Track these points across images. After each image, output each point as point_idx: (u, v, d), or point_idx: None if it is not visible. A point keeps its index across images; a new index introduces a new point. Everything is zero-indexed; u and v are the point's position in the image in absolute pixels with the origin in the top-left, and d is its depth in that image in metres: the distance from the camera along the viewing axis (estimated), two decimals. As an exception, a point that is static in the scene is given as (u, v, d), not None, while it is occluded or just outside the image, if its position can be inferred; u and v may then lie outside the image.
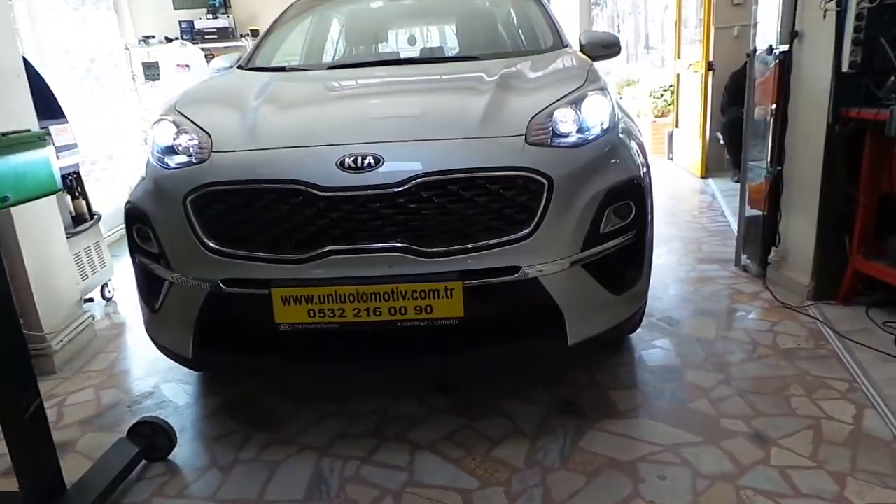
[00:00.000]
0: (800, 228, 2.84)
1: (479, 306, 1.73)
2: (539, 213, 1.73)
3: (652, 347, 2.46)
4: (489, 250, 1.73)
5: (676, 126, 6.90)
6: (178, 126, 1.97)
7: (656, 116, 8.01)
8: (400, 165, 1.72)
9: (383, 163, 1.71)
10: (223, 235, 1.79)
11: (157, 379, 2.46)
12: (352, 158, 1.72)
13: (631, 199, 1.89)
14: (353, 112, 2.03)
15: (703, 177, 5.69)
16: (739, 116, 5.07)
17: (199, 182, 1.78)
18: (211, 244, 1.78)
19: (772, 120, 2.97)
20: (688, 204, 4.81)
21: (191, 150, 1.89)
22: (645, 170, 2.02)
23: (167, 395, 2.34)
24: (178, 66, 5.16)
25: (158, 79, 5.23)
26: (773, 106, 2.96)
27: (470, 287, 1.70)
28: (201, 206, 1.79)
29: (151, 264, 1.94)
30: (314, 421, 2.10)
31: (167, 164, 1.90)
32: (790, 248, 2.93)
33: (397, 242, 1.72)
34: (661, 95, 8.11)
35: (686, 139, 6.38)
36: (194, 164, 1.84)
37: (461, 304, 1.70)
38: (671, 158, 6.89)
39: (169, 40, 5.49)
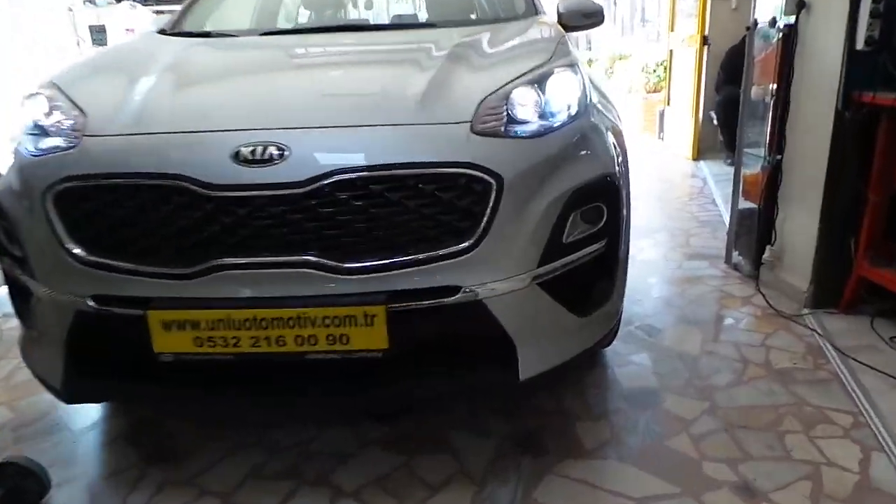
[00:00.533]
0: (799, 226, 2.52)
1: (409, 336, 1.40)
2: (485, 221, 1.39)
3: (628, 364, 2.14)
4: (422, 266, 1.39)
5: (668, 104, 6.52)
6: (51, 101, 1.60)
7: (648, 92, 7.63)
8: (309, 158, 1.37)
9: (289, 155, 1.36)
10: (93, 241, 1.43)
11: (56, 395, 2.12)
12: (249, 149, 1.36)
13: (602, 200, 1.55)
14: (259, 90, 1.65)
15: (695, 159, 5.35)
16: (735, 96, 4.71)
17: (62, 173, 1.42)
18: (77, 251, 1.43)
19: (772, 102, 2.63)
20: (677, 189, 4.47)
21: (64, 131, 1.52)
22: (621, 161, 1.68)
23: (63, 417, 2.00)
24: (127, 29, 4.72)
25: (106, 43, 4.78)
26: (774, 86, 2.61)
27: (396, 312, 1.37)
28: (65, 204, 1.43)
29: (18, 272, 1.59)
30: (226, 454, 1.78)
31: (34, 149, 1.54)
32: (787, 247, 2.61)
33: (306, 255, 1.37)
34: (654, 71, 7.71)
35: (678, 118, 6.02)
36: (62, 149, 1.48)
37: (385, 334, 1.37)
38: (662, 138, 6.53)
39: (118, 0, 5.03)
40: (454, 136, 1.41)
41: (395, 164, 1.36)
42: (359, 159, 1.37)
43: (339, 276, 1.37)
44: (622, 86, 8.83)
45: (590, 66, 10.34)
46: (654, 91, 7.53)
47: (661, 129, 6.66)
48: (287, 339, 1.38)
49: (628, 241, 1.73)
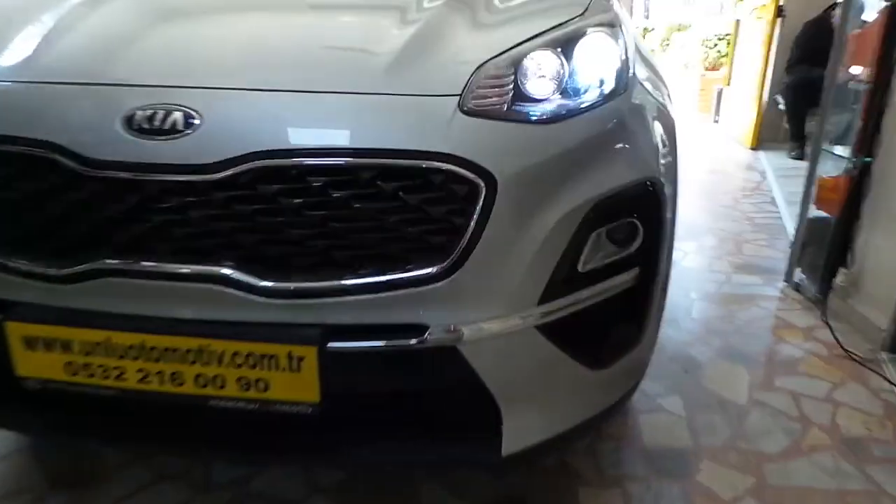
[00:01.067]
0: (886, 248, 2.03)
1: (350, 388, 1.03)
2: (467, 237, 0.99)
3: (656, 409, 1.73)
4: (374, 293, 1.00)
5: (728, 83, 5.91)
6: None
7: (707, 69, 6.99)
8: (227, 132, 0.97)
9: (199, 125, 0.97)
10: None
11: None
12: (147, 112, 0.98)
13: (638, 214, 1.13)
14: (180, 33, 1.23)
15: (754, 148, 4.78)
16: (808, 78, 4.12)
17: None
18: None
19: (866, 90, 2.12)
20: (731, 183, 3.95)
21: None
22: (668, 159, 1.24)
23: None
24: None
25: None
26: (871, 70, 2.10)
27: (333, 355, 0.99)
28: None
29: None
30: (142, 486, 1.45)
31: None
32: (867, 272, 2.13)
33: (216, 267, 0.99)
34: (716, 45, 7.05)
35: (738, 100, 5.42)
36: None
37: (316, 383, 0.99)
38: (717, 121, 5.94)
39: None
40: (433, 113, 1.00)
41: (342, 148, 0.96)
42: (293, 138, 0.97)
43: (260, 300, 0.99)
44: (678, 60, 8.18)
45: (644, 35, 9.63)
46: (713, 68, 6.89)
47: (718, 111, 6.06)
48: (185, 378, 1.02)
49: (670, 266, 1.31)
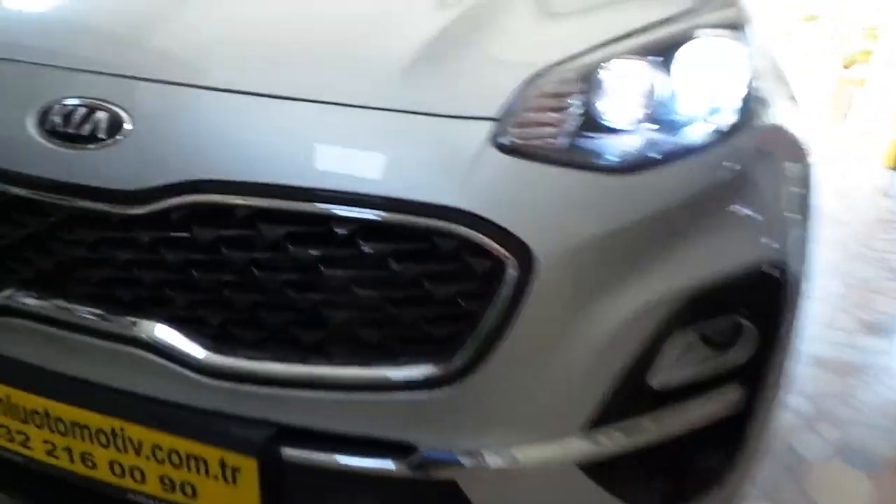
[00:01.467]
0: None
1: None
2: (485, 331, 0.67)
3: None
4: (346, 391, 0.71)
5: (865, 84, 5.14)
6: None
7: (843, 67, 6.16)
8: (163, 148, 0.71)
9: (130, 131, 0.71)
10: None
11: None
12: (65, 109, 0.72)
13: (747, 310, 0.77)
14: (129, 6, 0.92)
15: (894, 168, 4.08)
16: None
17: None
18: None
19: None
20: (863, 212, 3.35)
21: None
22: (801, 228, 0.86)
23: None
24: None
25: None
26: None
27: (284, 468, 0.71)
28: None
29: None
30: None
31: None
32: None
33: (141, 321, 0.74)
34: (850, 40, 6.19)
35: (878, 106, 4.67)
36: None
37: (257, 502, 0.72)
38: (847, 130, 5.19)
39: None
40: (450, 146, 0.68)
41: (312, 189, 0.67)
42: (246, 165, 0.69)
43: (192, 376, 0.73)
44: (805, 55, 7.31)
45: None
46: (845, 67, 6.05)
47: (847, 118, 5.31)
48: (98, 462, 0.78)
49: (788, 374, 0.93)
